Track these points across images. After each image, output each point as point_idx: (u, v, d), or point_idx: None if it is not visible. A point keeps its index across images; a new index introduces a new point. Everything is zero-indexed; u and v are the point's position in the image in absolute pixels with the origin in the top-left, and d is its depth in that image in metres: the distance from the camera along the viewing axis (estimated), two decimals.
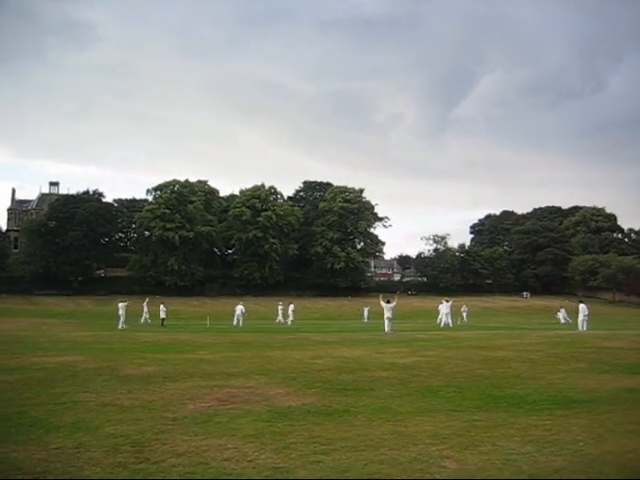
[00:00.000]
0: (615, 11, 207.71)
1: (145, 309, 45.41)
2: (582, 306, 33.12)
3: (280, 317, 48.43)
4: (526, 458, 5.68)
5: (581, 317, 32.55)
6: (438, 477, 5.08)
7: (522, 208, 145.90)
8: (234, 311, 43.47)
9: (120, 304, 37.02)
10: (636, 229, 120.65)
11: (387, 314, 29.37)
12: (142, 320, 43.83)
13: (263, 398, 9.11)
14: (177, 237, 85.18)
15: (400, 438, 6.53)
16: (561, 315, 45.79)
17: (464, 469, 5.33)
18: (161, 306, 43.82)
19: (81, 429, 6.99)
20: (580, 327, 31.76)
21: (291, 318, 46.02)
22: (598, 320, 31.25)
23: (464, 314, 48.58)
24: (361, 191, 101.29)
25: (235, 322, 42.01)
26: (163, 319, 42.73)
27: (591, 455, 5.72)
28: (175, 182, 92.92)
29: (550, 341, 19.88)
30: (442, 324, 37.95)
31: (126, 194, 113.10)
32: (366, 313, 52.11)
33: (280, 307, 49.47)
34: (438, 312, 42.45)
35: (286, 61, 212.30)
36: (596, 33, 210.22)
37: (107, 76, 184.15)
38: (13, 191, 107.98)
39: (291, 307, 47.40)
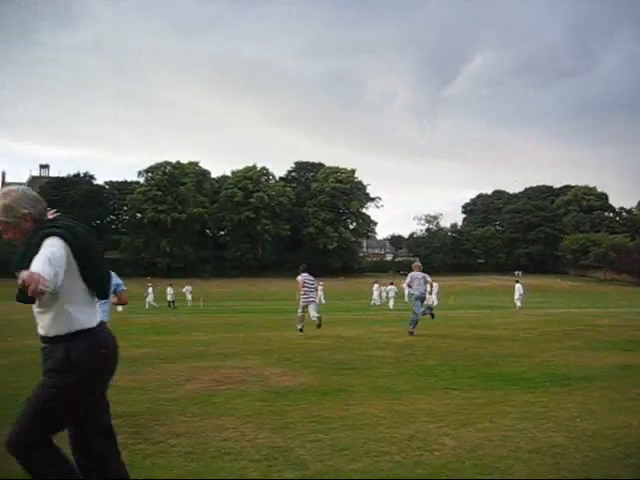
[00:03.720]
0: None
1: (149, 290, 43.56)
2: (518, 286, 35.25)
3: (376, 298, 43.87)
4: (523, 435, 5.71)
5: (516, 296, 34.64)
6: (437, 454, 5.11)
7: (514, 187, 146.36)
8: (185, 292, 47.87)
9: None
10: (627, 208, 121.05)
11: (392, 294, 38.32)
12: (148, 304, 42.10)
13: (259, 378, 9.11)
14: (169, 219, 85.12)
15: (397, 416, 6.55)
16: (376, 294, 44.55)
17: (462, 446, 5.36)
18: (168, 289, 43.33)
19: None
20: (516, 306, 33.73)
21: (391, 303, 37.50)
22: (590, 298, 31.39)
23: (389, 293, 40.48)
24: (353, 171, 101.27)
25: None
26: (171, 302, 42.41)
27: (588, 431, 5.76)
28: (166, 163, 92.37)
29: (542, 320, 20.00)
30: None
31: (117, 176, 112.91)
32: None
33: (376, 287, 44.89)
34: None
35: (275, 39, 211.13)
36: (588, 11, 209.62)
37: (95, 56, 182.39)
38: (3, 175, 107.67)
39: (391, 288, 39.36)
